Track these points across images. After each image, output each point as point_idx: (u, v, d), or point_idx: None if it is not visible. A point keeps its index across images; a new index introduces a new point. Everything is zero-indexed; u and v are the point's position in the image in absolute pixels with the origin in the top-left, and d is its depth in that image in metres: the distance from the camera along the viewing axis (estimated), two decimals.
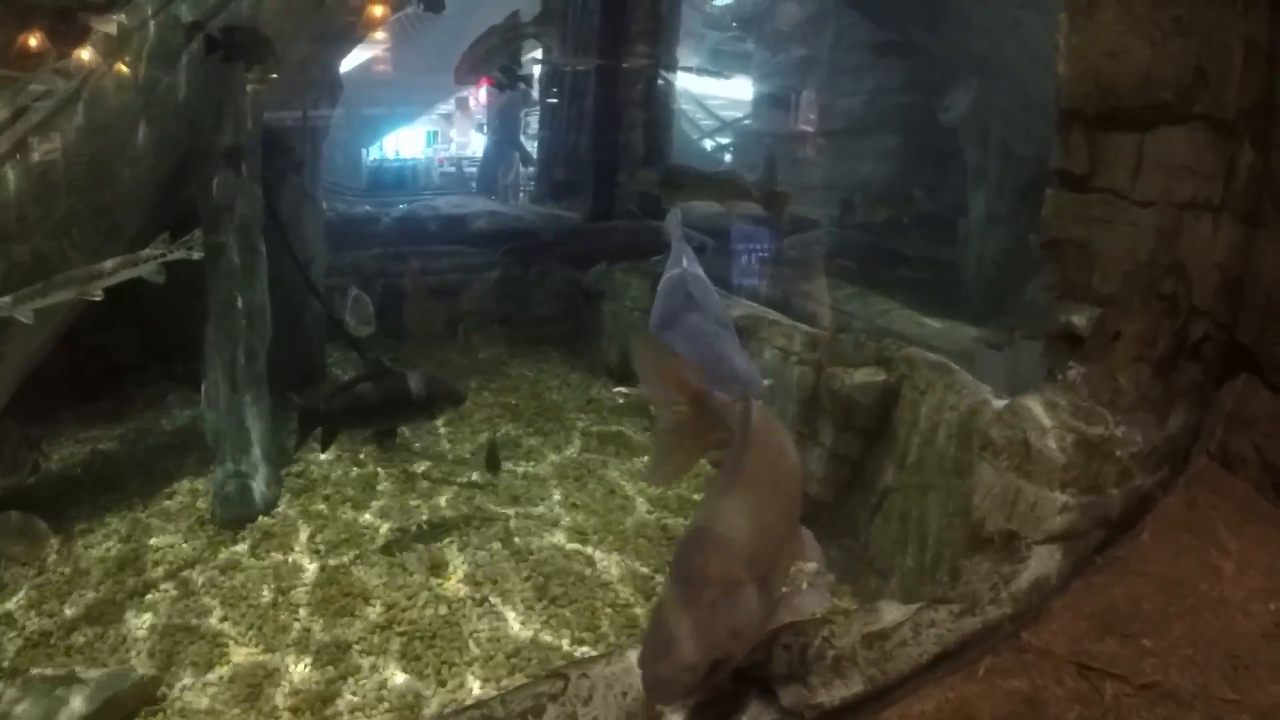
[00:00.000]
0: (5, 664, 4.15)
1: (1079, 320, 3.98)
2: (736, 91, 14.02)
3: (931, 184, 9.51)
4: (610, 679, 2.28)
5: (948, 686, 2.27)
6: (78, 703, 3.72)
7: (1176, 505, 3.63)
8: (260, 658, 4.21)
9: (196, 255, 4.83)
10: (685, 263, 4.37)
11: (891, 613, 2.75)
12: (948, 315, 6.23)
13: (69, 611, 4.52)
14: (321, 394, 5.77)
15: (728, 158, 14.42)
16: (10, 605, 4.55)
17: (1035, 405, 3.65)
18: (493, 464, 5.65)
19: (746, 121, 13.55)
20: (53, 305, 4.65)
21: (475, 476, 5.94)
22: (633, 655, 2.29)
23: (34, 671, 3.98)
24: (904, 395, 4.49)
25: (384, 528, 5.34)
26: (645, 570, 4.90)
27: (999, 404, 3.87)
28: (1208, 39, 3.64)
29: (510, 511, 5.60)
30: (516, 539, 5.23)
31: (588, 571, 4.89)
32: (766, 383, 4.87)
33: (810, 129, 11.39)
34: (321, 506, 5.59)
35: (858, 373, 4.56)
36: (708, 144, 14.87)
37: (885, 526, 4.48)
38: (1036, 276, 4.62)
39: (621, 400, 6.81)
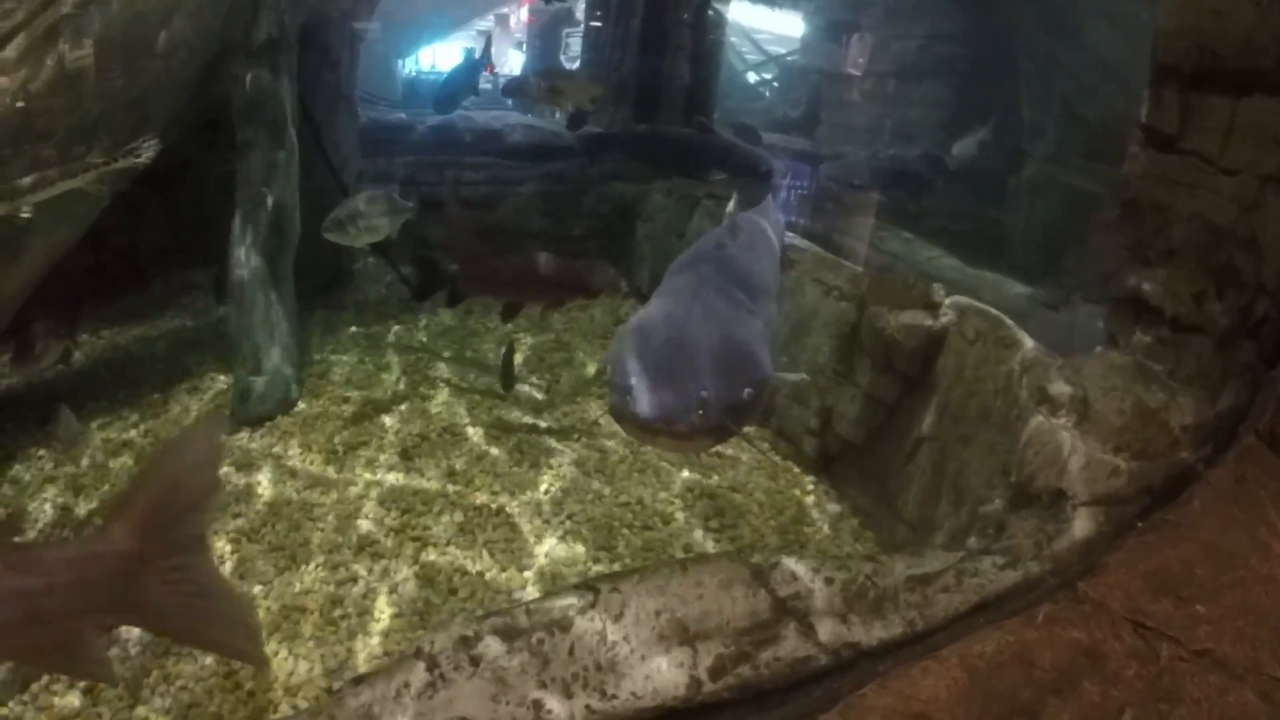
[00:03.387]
0: None
1: (1149, 286, 3.82)
2: (785, 27, 13.59)
3: (984, 139, 9.23)
4: (644, 595, 2.17)
5: (1007, 630, 2.18)
6: None
7: (1225, 479, 3.55)
8: (270, 555, 4.18)
9: (142, 163, 4.54)
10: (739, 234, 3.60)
11: (935, 558, 2.64)
12: (993, 270, 6.02)
13: (85, 506, 4.49)
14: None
15: (769, 93, 14.04)
16: (27, 499, 4.51)
17: (1098, 365, 3.55)
18: (507, 379, 5.58)
19: (793, 58, 13.14)
20: (75, 202, 4.46)
21: (497, 386, 5.86)
22: (667, 573, 2.19)
23: None
24: (950, 343, 4.32)
25: (403, 432, 5.27)
26: (664, 495, 4.82)
27: (1054, 362, 3.73)
28: None
29: (528, 424, 5.53)
30: (535, 451, 5.16)
31: (606, 491, 4.81)
32: (793, 378, 4.48)
33: (858, 72, 11.02)
34: (342, 408, 5.52)
35: (904, 314, 4.38)
36: (751, 77, 14.46)
37: (917, 476, 4.35)
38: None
39: None
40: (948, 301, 4.44)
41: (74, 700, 3.36)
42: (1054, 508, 3.21)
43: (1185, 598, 2.63)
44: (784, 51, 13.80)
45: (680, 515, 4.64)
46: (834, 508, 4.81)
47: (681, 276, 3.20)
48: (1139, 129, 3.88)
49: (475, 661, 2.04)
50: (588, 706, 1.96)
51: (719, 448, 5.11)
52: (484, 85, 13.86)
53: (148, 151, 4.51)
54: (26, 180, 4.21)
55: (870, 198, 6.72)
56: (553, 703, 1.96)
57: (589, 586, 2.25)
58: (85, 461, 4.81)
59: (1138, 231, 3.89)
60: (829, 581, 2.34)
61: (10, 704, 3.32)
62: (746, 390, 2.60)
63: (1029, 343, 4.00)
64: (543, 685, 2.00)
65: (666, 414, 2.46)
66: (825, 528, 4.61)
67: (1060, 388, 3.38)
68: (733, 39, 12.97)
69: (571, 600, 2.19)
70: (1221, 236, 3.66)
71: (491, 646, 2.06)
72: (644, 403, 2.48)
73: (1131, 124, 3.96)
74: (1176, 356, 3.75)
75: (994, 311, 4.29)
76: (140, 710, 3.34)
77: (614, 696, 1.98)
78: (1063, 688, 2.03)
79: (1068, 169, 7.78)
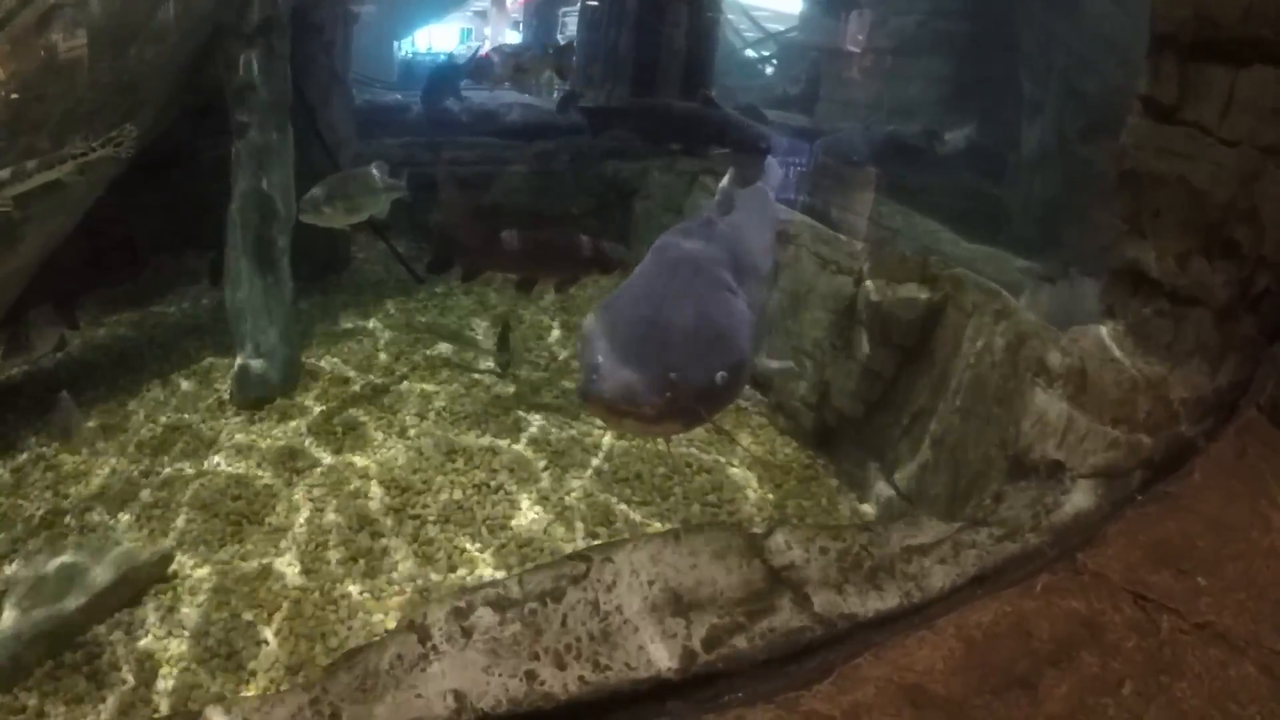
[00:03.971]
0: (19, 542, 4.13)
1: (1146, 258, 3.79)
2: (783, 4, 13.51)
3: (982, 115, 9.18)
4: (636, 565, 2.16)
5: (1005, 600, 2.17)
6: (91, 577, 3.71)
7: (1226, 452, 3.53)
8: (271, 537, 4.18)
9: (124, 154, 4.40)
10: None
11: (931, 529, 2.63)
12: (991, 245, 5.99)
13: (83, 490, 4.49)
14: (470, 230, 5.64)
15: (769, 70, 13.96)
16: (25, 484, 4.51)
17: (1096, 337, 3.53)
18: (504, 357, 5.56)
19: (791, 34, 13.07)
20: (70, 190, 4.41)
21: (494, 366, 5.84)
22: (660, 542, 2.18)
23: (49, 548, 3.96)
24: (948, 316, 4.30)
25: (402, 412, 5.26)
26: (662, 470, 4.80)
27: (1051, 334, 3.71)
28: None
29: (526, 401, 5.51)
30: (534, 429, 5.14)
31: (606, 466, 4.80)
32: (779, 365, 4.27)
33: (857, 48, 10.95)
34: (340, 390, 5.52)
35: (901, 287, 4.36)
36: (750, 54, 14.37)
37: (915, 450, 4.34)
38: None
39: None
40: (945, 274, 4.41)
41: (80, 683, 3.38)
42: (1052, 479, 3.20)
43: (1186, 570, 2.60)
44: (782, 28, 13.71)
45: (679, 490, 4.64)
46: (832, 482, 4.80)
47: (662, 253, 3.05)
48: (1137, 99, 3.84)
49: (468, 633, 2.04)
50: (581, 678, 1.96)
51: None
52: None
53: (128, 141, 4.42)
54: (4, 173, 4.10)
55: (868, 173, 6.68)
56: (546, 674, 1.95)
57: (581, 556, 2.24)
58: (85, 451, 4.80)
59: (1135, 203, 3.85)
60: (824, 551, 2.33)
61: (15, 690, 3.33)
62: (720, 374, 2.44)
63: (1027, 314, 3.98)
64: (535, 656, 1.99)
65: (631, 396, 2.32)
66: (822, 501, 4.61)
67: (1058, 359, 3.36)
68: (730, 16, 12.86)
69: (564, 570, 2.18)
70: (1220, 208, 3.63)
71: (484, 617, 2.05)
72: (608, 384, 2.34)
73: (1130, 99, 3.92)
74: (1175, 329, 3.72)
75: (991, 284, 4.26)
76: (143, 692, 3.36)
77: (607, 668, 1.97)
78: (1061, 659, 2.02)
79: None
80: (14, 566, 3.91)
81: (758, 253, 3.43)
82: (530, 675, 1.95)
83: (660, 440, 4.70)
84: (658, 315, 2.56)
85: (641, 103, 8.60)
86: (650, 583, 2.13)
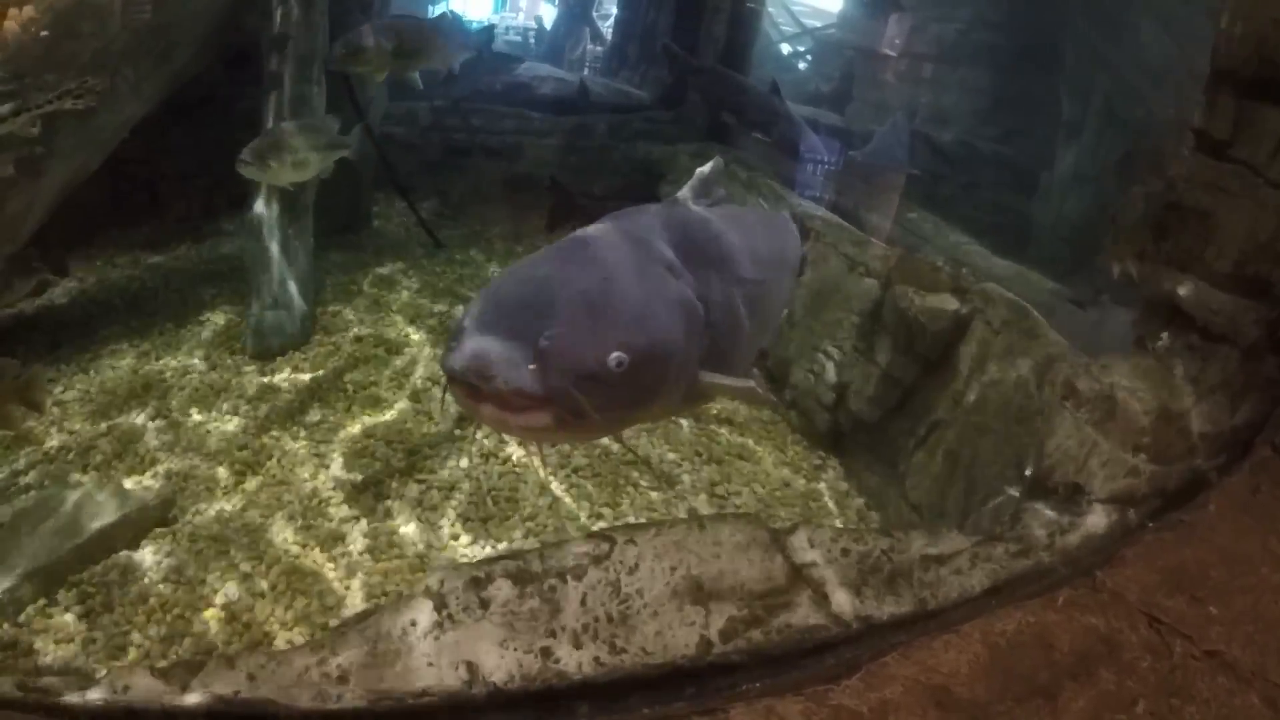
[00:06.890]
0: (20, 475, 4.12)
1: (1182, 292, 3.78)
2: (823, 1, 13.45)
3: (1017, 130, 9.13)
4: (660, 550, 2.14)
5: (1028, 610, 2.19)
6: (91, 517, 3.71)
7: (1240, 488, 3.56)
8: (276, 489, 4.17)
9: (81, 106, 4.25)
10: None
11: (950, 540, 2.62)
12: (1017, 262, 5.95)
13: (89, 429, 4.48)
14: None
15: (802, 65, 13.89)
16: (31, 419, 4.41)
17: (1127, 365, 3.52)
18: None
19: (830, 31, 12.99)
20: (95, 128, 4.34)
21: None
22: (684, 529, 2.17)
23: (50, 485, 3.95)
24: (974, 330, 4.27)
25: (416, 373, 5.23)
26: (673, 456, 4.78)
27: (1081, 358, 3.70)
28: None
29: None
30: None
31: (615, 448, 4.78)
32: (735, 384, 3.44)
33: (894, 52, 10.86)
34: (355, 346, 5.49)
35: (930, 296, 4.32)
36: (785, 49, 14.27)
37: (928, 462, 4.32)
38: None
39: None
40: (975, 288, 4.37)
41: (71, 622, 3.36)
42: (1069, 502, 3.20)
43: (1199, 598, 2.63)
44: (820, 25, 13.65)
45: (686, 479, 4.62)
46: (841, 485, 4.79)
47: (604, 222, 2.46)
48: (1191, 132, 3.81)
49: (485, 604, 2.02)
50: (596, 659, 1.94)
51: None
52: (514, 37, 13.83)
53: (90, 95, 4.34)
54: None
55: (902, 181, 6.62)
56: (562, 652, 1.94)
57: (605, 536, 2.22)
58: (93, 387, 4.76)
59: (1176, 236, 3.83)
60: (845, 553, 2.31)
61: (5, 625, 3.32)
62: (616, 355, 1.84)
63: (1055, 337, 3.96)
64: (552, 634, 1.98)
65: (484, 367, 1.76)
66: (830, 504, 4.59)
67: (1089, 384, 3.35)
68: (769, 9, 12.77)
69: (586, 549, 2.16)
70: (1259, 249, 3.61)
71: (503, 590, 2.03)
72: (460, 352, 1.80)
73: (1173, 132, 3.89)
74: (1203, 365, 3.72)
75: (1022, 302, 4.23)
76: (135, 636, 3.34)
77: (624, 651, 1.96)
78: (1080, 673, 2.04)
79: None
80: (14, 501, 3.89)
81: (742, 255, 2.81)
82: (546, 652, 1.93)
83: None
84: (551, 275, 2.01)
85: (721, 71, 8.28)
86: (673, 569, 2.11)
